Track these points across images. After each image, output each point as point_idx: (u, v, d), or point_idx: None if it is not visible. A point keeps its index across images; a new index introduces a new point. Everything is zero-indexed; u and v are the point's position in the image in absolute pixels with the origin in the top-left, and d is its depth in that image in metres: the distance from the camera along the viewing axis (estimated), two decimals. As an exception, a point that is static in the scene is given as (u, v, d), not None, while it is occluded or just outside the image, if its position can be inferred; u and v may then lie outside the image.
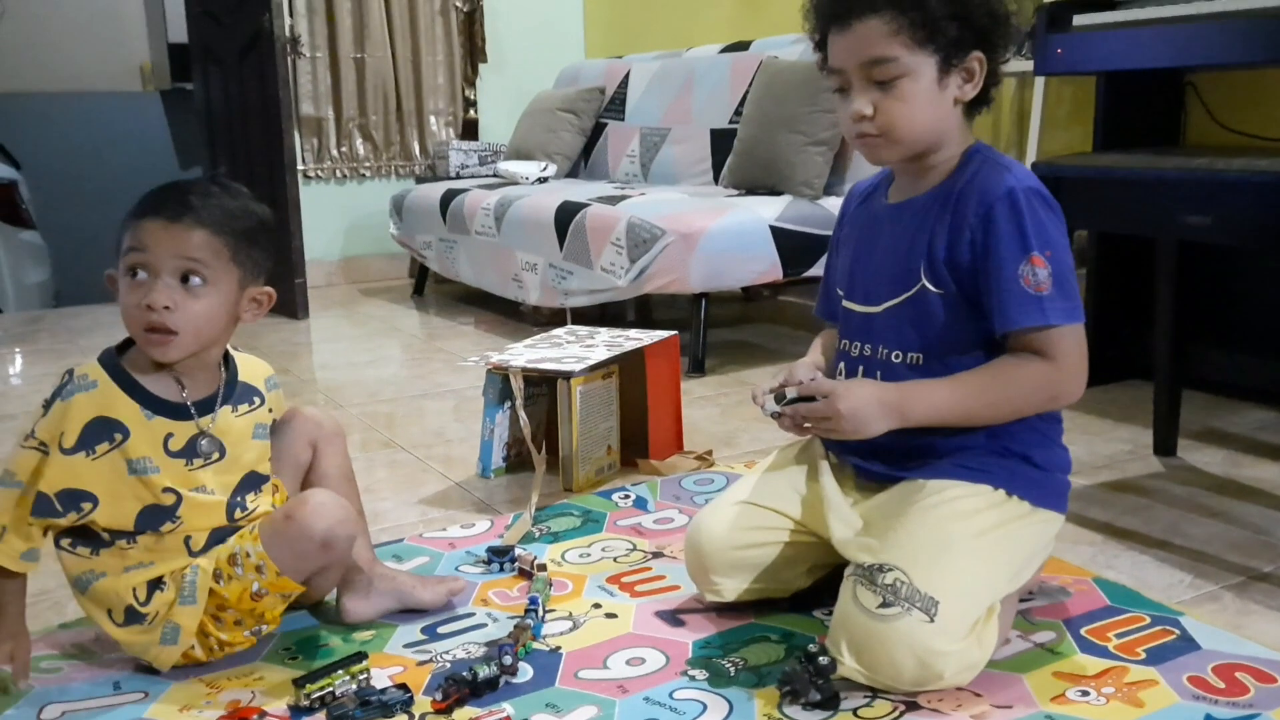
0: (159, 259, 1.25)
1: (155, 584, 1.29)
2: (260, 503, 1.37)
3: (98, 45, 5.72)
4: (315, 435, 1.48)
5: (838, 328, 1.47)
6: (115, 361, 1.30)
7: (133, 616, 1.30)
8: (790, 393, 1.31)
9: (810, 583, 1.44)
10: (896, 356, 1.34)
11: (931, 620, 1.18)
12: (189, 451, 1.31)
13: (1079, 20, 2.27)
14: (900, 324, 1.34)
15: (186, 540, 1.31)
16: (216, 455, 1.33)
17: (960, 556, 1.23)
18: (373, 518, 1.89)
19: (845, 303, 1.43)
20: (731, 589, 1.42)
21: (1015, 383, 1.27)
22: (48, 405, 1.27)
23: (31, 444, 1.26)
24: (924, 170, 1.35)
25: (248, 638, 1.35)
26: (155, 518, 1.29)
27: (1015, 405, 1.29)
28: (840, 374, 1.41)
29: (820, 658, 1.21)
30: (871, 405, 1.25)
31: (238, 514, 1.34)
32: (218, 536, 1.33)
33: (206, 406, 1.33)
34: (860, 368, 1.38)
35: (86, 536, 1.30)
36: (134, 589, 1.29)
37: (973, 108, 1.34)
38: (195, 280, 1.26)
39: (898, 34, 1.24)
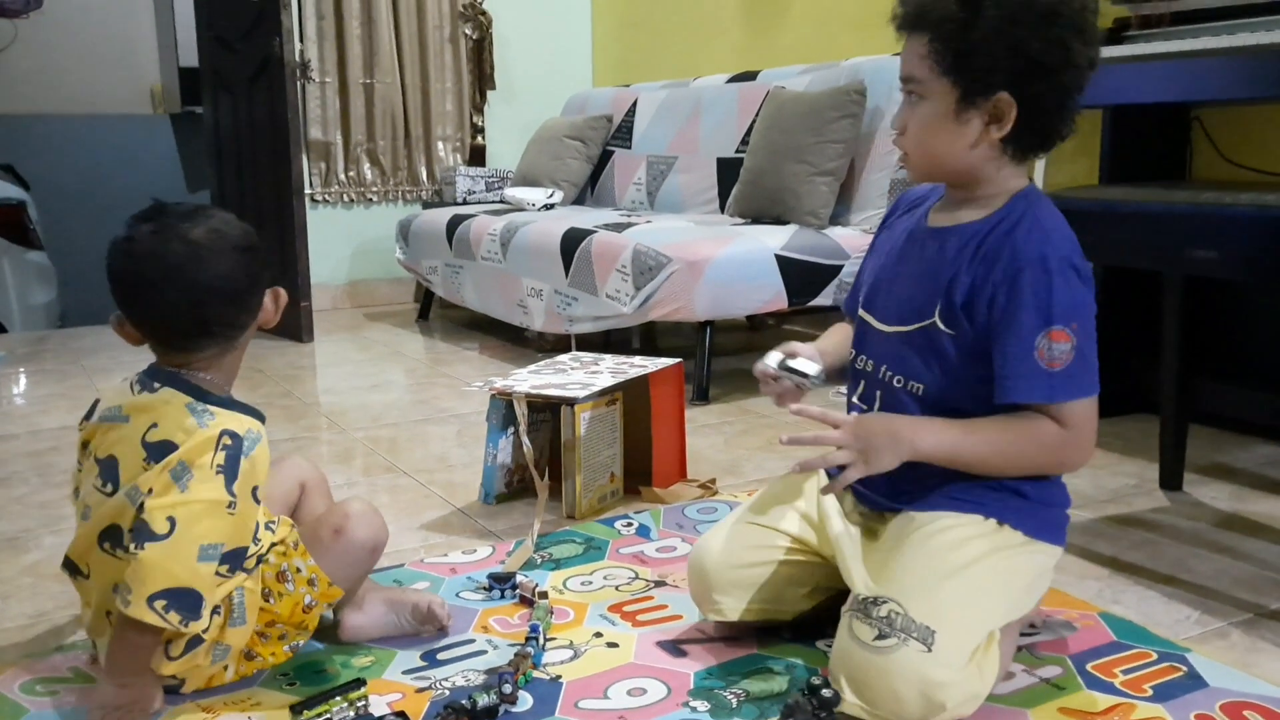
0: None
1: (213, 611, 1.28)
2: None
3: (109, 69, 5.77)
4: (303, 477, 1.54)
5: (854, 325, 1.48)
6: (232, 399, 1.32)
7: (193, 645, 1.28)
8: (796, 364, 1.37)
9: (813, 605, 1.44)
10: (899, 381, 1.34)
11: (929, 650, 1.17)
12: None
13: (1086, 54, 2.27)
14: (908, 351, 1.33)
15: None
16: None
17: (955, 585, 1.22)
18: (374, 543, 1.88)
19: (863, 312, 1.43)
20: (733, 607, 1.42)
21: (1031, 442, 1.26)
22: (226, 469, 1.24)
23: (232, 510, 1.24)
24: (968, 200, 1.33)
25: (286, 652, 1.37)
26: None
27: (1022, 464, 1.28)
28: (847, 383, 1.44)
29: (824, 690, 1.20)
30: (882, 435, 1.26)
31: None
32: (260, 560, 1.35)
33: None
34: (862, 383, 1.40)
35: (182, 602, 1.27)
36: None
37: (1023, 152, 1.29)
38: None
39: (927, 56, 1.26)
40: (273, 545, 1.36)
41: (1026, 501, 1.31)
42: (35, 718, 1.29)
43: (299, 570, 1.34)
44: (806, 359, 1.41)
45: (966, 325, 1.28)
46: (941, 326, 1.30)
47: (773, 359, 1.41)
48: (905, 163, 1.36)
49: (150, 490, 1.21)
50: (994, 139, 1.27)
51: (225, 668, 1.33)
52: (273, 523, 1.39)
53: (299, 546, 1.35)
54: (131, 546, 1.20)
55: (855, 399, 1.42)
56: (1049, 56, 1.21)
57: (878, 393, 1.36)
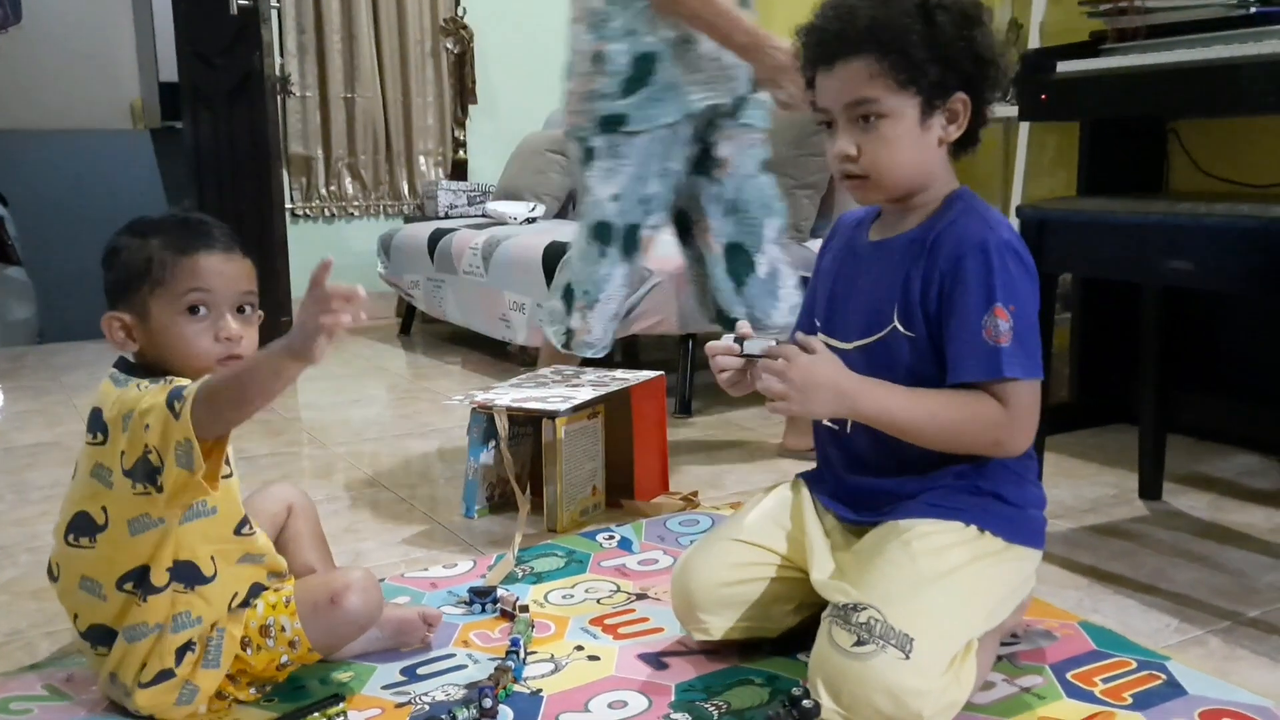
0: (222, 294, 1.29)
1: (186, 647, 1.28)
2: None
3: (88, 84, 5.75)
4: (290, 500, 1.54)
5: None
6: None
7: (162, 677, 1.27)
8: (750, 346, 1.29)
9: (798, 621, 1.43)
10: None
11: (907, 657, 1.17)
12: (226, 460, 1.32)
13: (1063, 68, 2.30)
14: (870, 363, 1.33)
15: (233, 596, 1.32)
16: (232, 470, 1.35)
17: (934, 593, 1.23)
18: (355, 558, 1.87)
19: (822, 335, 1.42)
20: (719, 626, 1.41)
21: (969, 416, 1.26)
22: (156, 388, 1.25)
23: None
24: (908, 210, 1.36)
25: (253, 695, 1.35)
26: (244, 519, 1.32)
27: (961, 439, 1.28)
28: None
29: (804, 701, 1.19)
30: (826, 385, 1.25)
31: (245, 530, 1.34)
32: (255, 591, 1.34)
33: None
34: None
35: (143, 581, 1.27)
36: (176, 650, 1.27)
37: (959, 149, 1.35)
38: (248, 309, 1.32)
39: (879, 75, 1.25)
40: (262, 591, 1.35)
41: (1006, 506, 1.32)
42: (9, 736, 1.27)
43: (284, 629, 1.32)
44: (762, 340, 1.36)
45: (922, 322, 1.29)
46: (901, 330, 1.31)
47: (728, 339, 1.35)
48: (860, 187, 1.33)
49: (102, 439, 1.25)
50: (950, 139, 1.31)
51: (195, 713, 1.30)
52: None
53: (290, 604, 1.33)
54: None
55: (826, 421, 1.42)
56: (992, 51, 1.28)
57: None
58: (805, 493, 1.45)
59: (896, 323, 1.32)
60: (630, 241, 2.22)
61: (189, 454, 1.17)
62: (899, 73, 1.25)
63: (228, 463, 1.30)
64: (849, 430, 1.38)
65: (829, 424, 1.42)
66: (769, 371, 1.25)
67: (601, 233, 2.21)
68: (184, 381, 1.22)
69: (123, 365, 1.31)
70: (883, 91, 1.26)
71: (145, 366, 1.30)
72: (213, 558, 1.29)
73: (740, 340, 1.30)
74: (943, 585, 1.23)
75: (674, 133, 2.16)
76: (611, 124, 2.14)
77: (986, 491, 1.31)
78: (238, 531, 1.32)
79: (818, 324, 1.45)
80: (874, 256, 1.38)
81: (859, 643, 1.18)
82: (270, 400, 1.19)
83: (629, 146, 2.14)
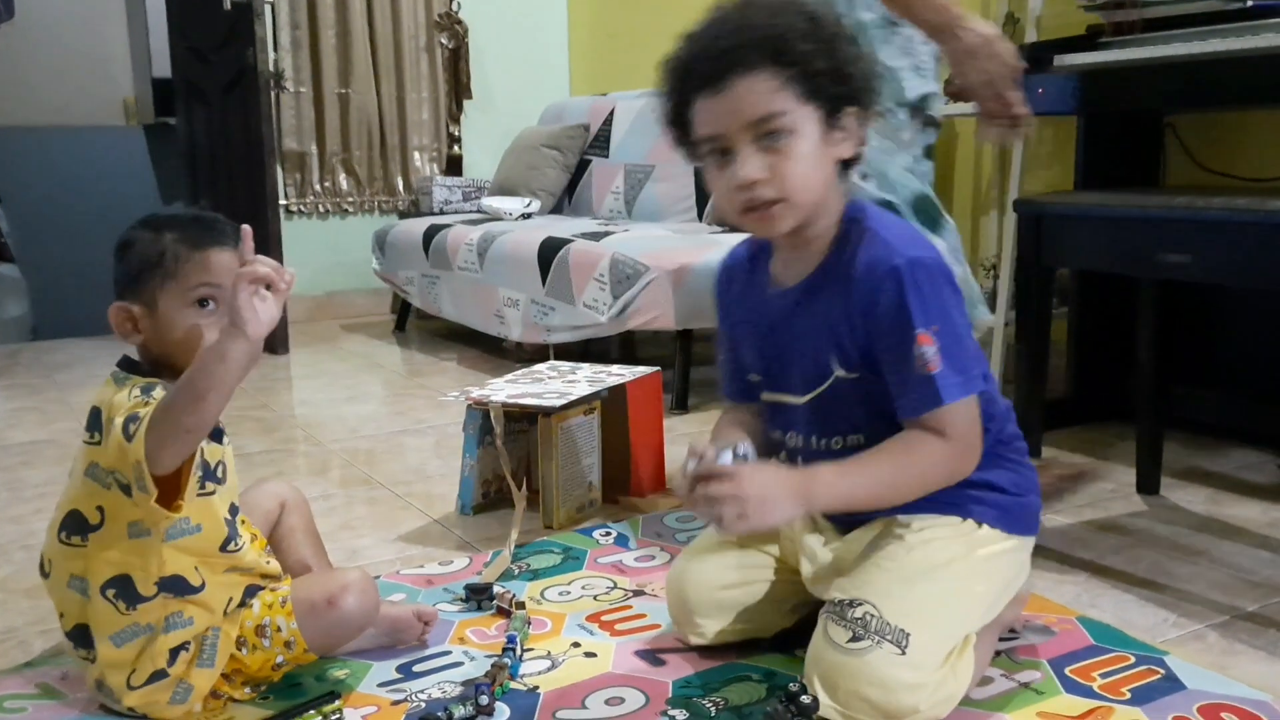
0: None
1: (180, 647, 1.28)
2: (243, 534, 1.36)
3: (81, 80, 5.73)
4: (283, 496, 1.54)
5: (750, 408, 1.42)
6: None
7: (155, 678, 1.27)
8: (691, 465, 1.20)
9: (794, 621, 1.43)
10: (838, 443, 1.31)
11: (903, 652, 1.17)
12: (210, 475, 1.30)
13: (1059, 61, 2.29)
14: (829, 412, 1.30)
15: (228, 600, 1.31)
16: (223, 480, 1.34)
17: (931, 588, 1.22)
18: (351, 555, 1.87)
19: (767, 394, 1.39)
20: (714, 629, 1.41)
21: (916, 465, 1.23)
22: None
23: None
24: (805, 241, 1.29)
25: (249, 694, 1.35)
26: (230, 537, 1.31)
27: (916, 488, 1.25)
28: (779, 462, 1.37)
29: (802, 697, 1.19)
30: (780, 494, 1.19)
31: (232, 546, 1.32)
32: (251, 592, 1.34)
33: (220, 434, 1.35)
34: (800, 459, 1.34)
35: (125, 590, 1.26)
36: (170, 650, 1.27)
37: (845, 168, 1.28)
38: None
39: (782, 89, 1.18)
40: (258, 591, 1.34)
41: (1003, 495, 1.31)
42: (2, 735, 1.27)
43: (279, 629, 1.32)
44: (743, 445, 1.24)
45: (860, 362, 1.25)
46: (845, 375, 1.27)
47: (713, 454, 1.21)
48: (767, 217, 1.22)
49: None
50: (844, 156, 1.25)
51: (190, 711, 1.30)
52: (255, 536, 1.39)
53: (286, 605, 1.33)
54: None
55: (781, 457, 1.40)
56: (873, 68, 1.25)
57: (815, 459, 1.30)
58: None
59: (838, 370, 1.28)
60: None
61: (141, 477, 1.16)
62: (800, 83, 1.18)
63: (213, 479, 1.29)
64: (802, 462, 1.35)
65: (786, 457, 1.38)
66: (719, 495, 1.16)
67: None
68: (158, 396, 1.20)
69: (125, 364, 1.31)
70: (791, 103, 1.18)
71: (147, 363, 1.30)
72: (198, 568, 1.28)
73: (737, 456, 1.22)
74: (938, 579, 1.23)
75: (886, 122, 1.85)
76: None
77: (981, 483, 1.30)
78: (223, 548, 1.30)
79: (755, 379, 1.40)
80: (792, 309, 1.32)
81: (854, 638, 1.18)
82: (224, 392, 1.14)
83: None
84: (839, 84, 1.20)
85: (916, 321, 1.19)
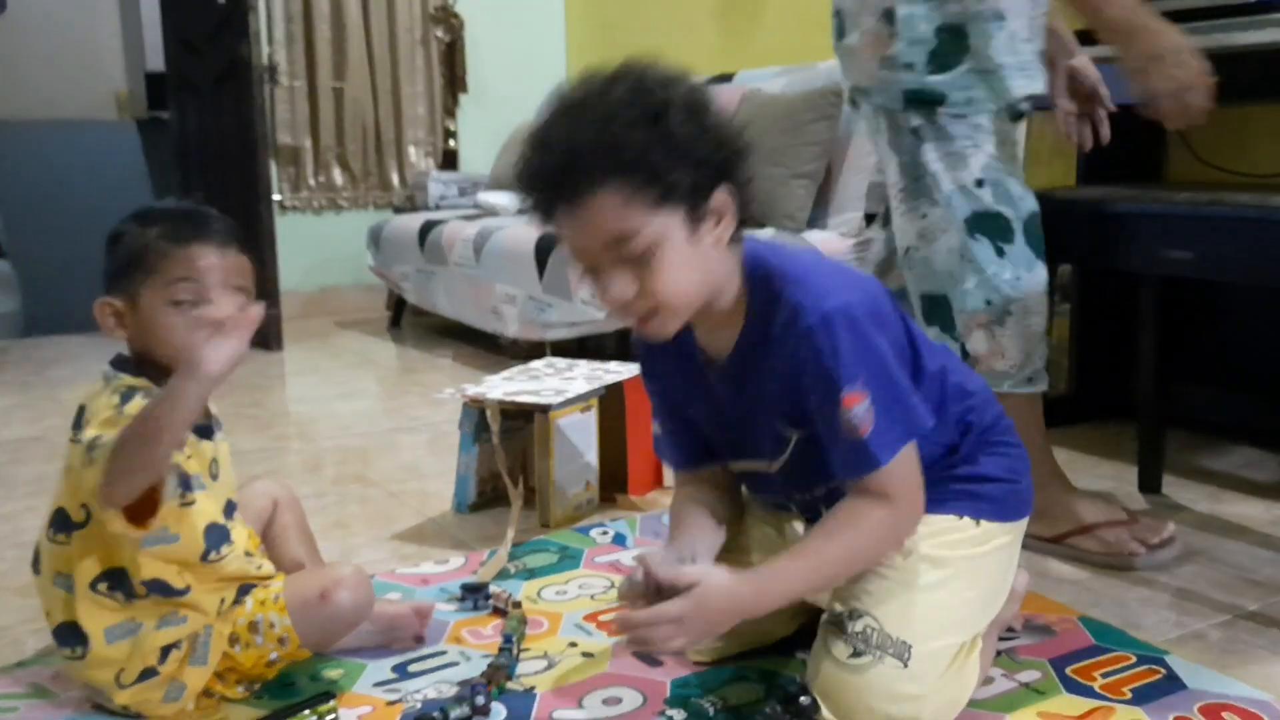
0: (213, 287, 1.26)
1: (172, 645, 1.27)
2: (238, 532, 1.35)
3: (72, 73, 5.69)
4: (275, 495, 1.52)
5: (708, 476, 1.37)
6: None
7: (145, 676, 1.26)
8: (639, 576, 1.14)
9: (794, 629, 1.41)
10: (820, 490, 1.28)
11: (905, 665, 1.15)
12: (190, 485, 1.29)
13: (1060, 56, 2.27)
14: (803, 469, 1.26)
15: (222, 599, 1.31)
16: (216, 477, 1.33)
17: (930, 595, 1.20)
18: (345, 554, 1.85)
19: (735, 464, 1.35)
20: (716, 646, 1.38)
21: (862, 540, 1.18)
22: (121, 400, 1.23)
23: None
24: (714, 318, 1.21)
25: (242, 693, 1.34)
26: (219, 537, 1.29)
27: (865, 560, 1.20)
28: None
29: (801, 698, 1.18)
30: (724, 612, 1.13)
31: (213, 556, 1.30)
32: (244, 590, 1.33)
33: (210, 431, 1.34)
34: (793, 509, 1.36)
35: (121, 583, 1.25)
36: (160, 648, 1.26)
37: (738, 233, 1.18)
38: (241, 300, 1.29)
39: (630, 201, 1.07)
40: (252, 589, 1.33)
41: (998, 485, 1.28)
42: (-8, 737, 1.25)
43: (272, 626, 1.31)
44: (662, 575, 1.14)
45: (809, 420, 1.19)
46: (804, 436, 1.22)
47: (665, 562, 1.16)
48: (652, 325, 1.15)
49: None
50: (725, 238, 1.15)
51: (183, 710, 1.29)
52: (250, 535, 1.39)
53: (279, 601, 1.32)
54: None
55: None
56: (732, 132, 1.14)
57: (822, 508, 1.27)
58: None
59: (794, 435, 1.23)
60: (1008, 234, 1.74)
61: (101, 503, 1.15)
62: (649, 190, 1.07)
63: (196, 487, 1.28)
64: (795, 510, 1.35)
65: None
66: (665, 625, 1.10)
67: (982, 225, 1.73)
68: (131, 411, 1.18)
69: (117, 362, 1.29)
70: (640, 219, 1.08)
71: (136, 359, 1.29)
72: (181, 573, 1.27)
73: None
74: (938, 585, 1.21)
75: (1000, 128, 1.75)
76: (926, 102, 1.72)
77: (973, 476, 1.27)
78: (204, 558, 1.28)
79: (717, 450, 1.36)
80: (732, 382, 1.25)
81: (856, 654, 1.17)
82: (179, 433, 1.13)
83: (961, 126, 1.72)
84: (693, 172, 1.09)
85: (841, 380, 1.12)
